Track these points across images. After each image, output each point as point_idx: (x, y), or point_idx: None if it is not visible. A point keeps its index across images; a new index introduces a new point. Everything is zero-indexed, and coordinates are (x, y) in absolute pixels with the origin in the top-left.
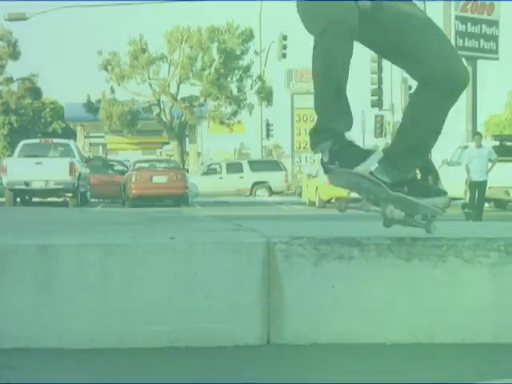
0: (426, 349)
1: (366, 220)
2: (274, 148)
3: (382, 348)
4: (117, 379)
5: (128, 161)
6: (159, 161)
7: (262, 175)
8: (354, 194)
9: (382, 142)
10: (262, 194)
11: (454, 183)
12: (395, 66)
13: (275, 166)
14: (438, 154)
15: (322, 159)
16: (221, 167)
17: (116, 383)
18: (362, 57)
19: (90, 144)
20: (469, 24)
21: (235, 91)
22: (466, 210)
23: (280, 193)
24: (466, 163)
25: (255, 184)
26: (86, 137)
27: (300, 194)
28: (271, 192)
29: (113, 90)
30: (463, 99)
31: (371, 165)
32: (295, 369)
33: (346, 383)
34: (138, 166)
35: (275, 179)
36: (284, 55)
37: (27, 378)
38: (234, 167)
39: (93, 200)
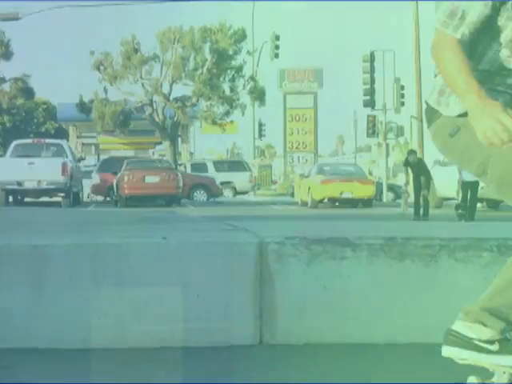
0: (419, 349)
1: (359, 220)
2: (267, 148)
3: (374, 348)
4: (109, 379)
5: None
6: (152, 161)
7: (227, 175)
8: (345, 195)
9: (374, 142)
10: (226, 195)
11: (446, 183)
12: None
13: (240, 166)
14: (431, 154)
15: None
16: (185, 167)
17: (109, 383)
18: (354, 57)
19: (83, 144)
20: None
21: (228, 91)
22: (460, 211)
23: (245, 193)
24: None
25: (220, 184)
26: (78, 137)
27: (292, 194)
28: (236, 192)
29: (105, 90)
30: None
31: None
32: (288, 369)
33: (340, 383)
34: (130, 165)
35: (240, 179)
36: (276, 55)
37: (20, 378)
38: (198, 167)
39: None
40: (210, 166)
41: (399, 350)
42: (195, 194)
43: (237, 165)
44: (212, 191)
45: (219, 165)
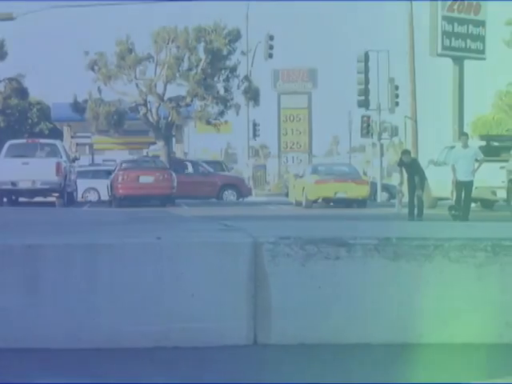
0: (414, 349)
1: (353, 220)
2: (261, 148)
3: (369, 348)
4: (104, 379)
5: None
6: (146, 161)
7: None
8: (339, 195)
9: (369, 142)
10: None
11: (440, 183)
12: None
13: (219, 166)
14: (425, 154)
15: None
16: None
17: (104, 383)
18: (349, 57)
19: (77, 144)
20: (455, 24)
21: (222, 91)
22: (453, 212)
23: None
24: (453, 163)
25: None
26: (72, 137)
27: (287, 195)
28: None
29: (99, 91)
30: (450, 99)
31: None
32: (282, 369)
33: (334, 383)
34: (124, 165)
35: None
36: (270, 55)
37: (15, 377)
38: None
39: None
40: (189, 166)
41: (394, 351)
42: (225, 194)
43: (215, 165)
44: (242, 191)
45: (197, 165)
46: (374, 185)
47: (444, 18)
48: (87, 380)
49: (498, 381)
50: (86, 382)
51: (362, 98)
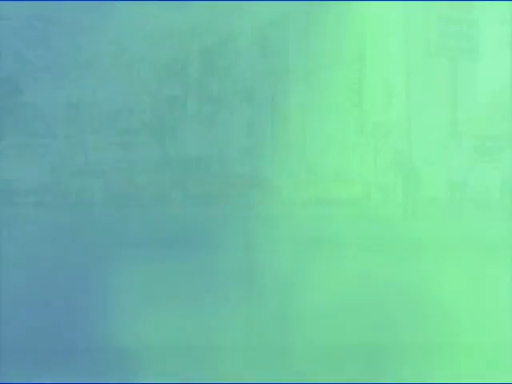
0: (410, 349)
1: (348, 220)
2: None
3: (365, 348)
4: (103, 379)
5: None
6: (141, 161)
7: None
8: (335, 194)
9: (363, 141)
10: None
11: (435, 183)
12: None
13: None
14: (420, 154)
15: None
16: None
17: (103, 383)
18: (343, 56)
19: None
20: (450, 24)
21: (216, 91)
22: (448, 211)
23: None
24: (448, 163)
25: None
26: (66, 137)
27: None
28: None
29: (94, 91)
30: (444, 99)
31: None
32: (277, 370)
33: (332, 383)
34: (120, 165)
35: None
36: (266, 55)
37: (14, 377)
38: None
39: None
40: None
41: (391, 351)
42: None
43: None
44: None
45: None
46: (368, 184)
47: (439, 17)
48: (83, 380)
49: (500, 381)
50: (86, 382)
51: (357, 97)
